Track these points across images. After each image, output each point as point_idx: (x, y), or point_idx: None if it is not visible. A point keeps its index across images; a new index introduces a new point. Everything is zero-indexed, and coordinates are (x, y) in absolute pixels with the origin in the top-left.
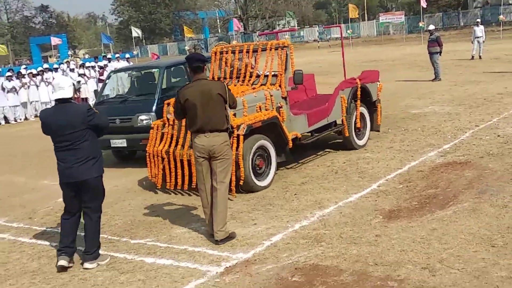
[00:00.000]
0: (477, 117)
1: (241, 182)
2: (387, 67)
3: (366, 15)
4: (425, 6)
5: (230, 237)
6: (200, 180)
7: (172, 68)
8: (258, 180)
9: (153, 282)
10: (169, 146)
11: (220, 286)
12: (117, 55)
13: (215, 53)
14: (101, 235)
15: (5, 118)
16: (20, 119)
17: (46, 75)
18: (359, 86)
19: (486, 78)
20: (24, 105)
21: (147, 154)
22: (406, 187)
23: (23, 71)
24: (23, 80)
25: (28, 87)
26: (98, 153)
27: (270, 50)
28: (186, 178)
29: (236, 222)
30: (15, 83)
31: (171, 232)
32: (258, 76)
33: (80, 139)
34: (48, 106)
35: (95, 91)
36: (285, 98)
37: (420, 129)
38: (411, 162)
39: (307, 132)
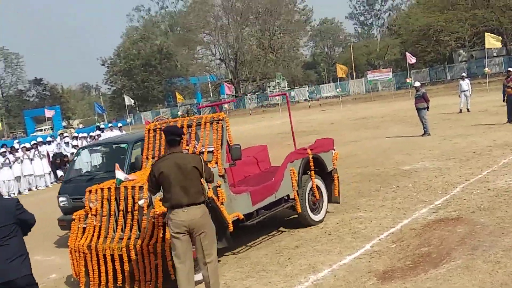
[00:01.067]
0: (467, 171)
1: (172, 277)
2: (377, 124)
3: (354, 73)
4: (411, 62)
5: None
6: (178, 258)
7: (141, 142)
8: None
9: None
10: (92, 239)
11: None
12: (110, 125)
13: (149, 130)
14: None
15: None
16: (14, 193)
17: (40, 148)
18: (311, 156)
19: (474, 131)
20: (17, 179)
21: (69, 249)
22: (399, 246)
23: (16, 146)
24: (17, 154)
25: (22, 161)
26: (26, 250)
27: (205, 124)
28: (110, 276)
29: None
30: (9, 157)
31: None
32: (210, 151)
33: (8, 234)
34: (43, 179)
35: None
36: (222, 176)
37: (412, 186)
38: (403, 220)
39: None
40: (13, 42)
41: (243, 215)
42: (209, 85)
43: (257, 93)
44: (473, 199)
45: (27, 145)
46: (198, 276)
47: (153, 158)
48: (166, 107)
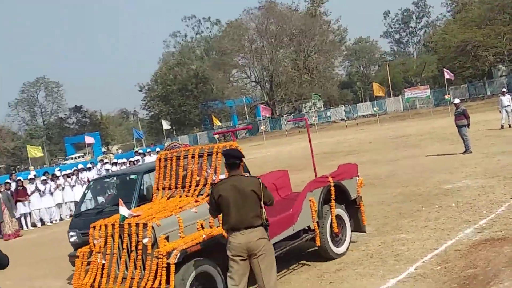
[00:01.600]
0: None
1: None
2: (416, 142)
3: (391, 91)
4: (449, 78)
5: None
6: (233, 280)
7: (152, 173)
8: None
9: None
10: (96, 278)
11: None
12: (148, 150)
13: (160, 159)
14: None
15: (41, 220)
16: (56, 220)
17: (81, 175)
18: (332, 184)
19: None
20: (59, 206)
21: None
22: (444, 268)
23: (57, 173)
24: (58, 181)
25: (63, 188)
26: None
27: (217, 153)
28: None
29: None
30: (51, 184)
31: None
32: (213, 184)
33: None
34: None
35: None
36: None
37: (455, 205)
38: (447, 241)
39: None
40: (52, 72)
41: None
42: (245, 107)
43: (293, 114)
44: None
45: (68, 171)
46: None
47: (163, 189)
48: (203, 130)
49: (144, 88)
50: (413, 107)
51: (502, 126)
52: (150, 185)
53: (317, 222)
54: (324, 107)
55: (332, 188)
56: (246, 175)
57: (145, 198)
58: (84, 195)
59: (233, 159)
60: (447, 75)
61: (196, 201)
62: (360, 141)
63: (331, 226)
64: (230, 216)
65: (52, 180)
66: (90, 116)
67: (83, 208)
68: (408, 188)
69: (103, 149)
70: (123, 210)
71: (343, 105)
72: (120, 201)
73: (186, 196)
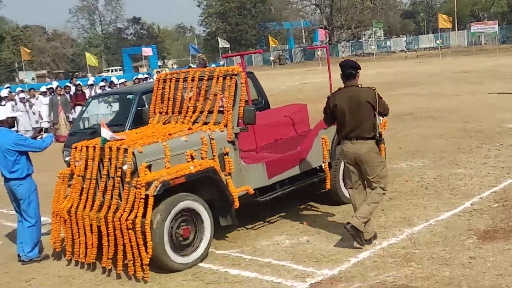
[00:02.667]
0: None
1: (145, 261)
2: (479, 79)
3: (456, 24)
4: None
5: (366, 241)
6: (350, 184)
7: (149, 94)
8: (180, 255)
9: None
10: (73, 204)
11: None
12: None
13: (158, 81)
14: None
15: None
16: None
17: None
18: None
19: None
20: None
21: (51, 212)
22: (502, 206)
23: (115, 81)
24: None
25: None
26: None
27: (218, 78)
28: (91, 249)
29: (321, 237)
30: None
31: (255, 244)
32: (221, 111)
33: None
34: None
35: None
36: (232, 142)
37: None
38: (507, 179)
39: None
40: None
41: (256, 189)
42: (303, 31)
43: (352, 41)
44: None
45: (128, 82)
46: None
47: (160, 113)
48: None
49: (203, 3)
50: (478, 43)
51: None
52: (147, 107)
53: (329, 163)
54: (384, 37)
55: None
56: (361, 86)
57: (143, 122)
58: (82, 112)
59: (350, 69)
60: None
61: (190, 129)
62: (420, 73)
63: None
64: (344, 125)
65: (109, 87)
66: (148, 28)
67: (81, 127)
68: (469, 124)
69: (159, 63)
70: (105, 132)
71: (404, 36)
72: (102, 121)
73: (182, 122)
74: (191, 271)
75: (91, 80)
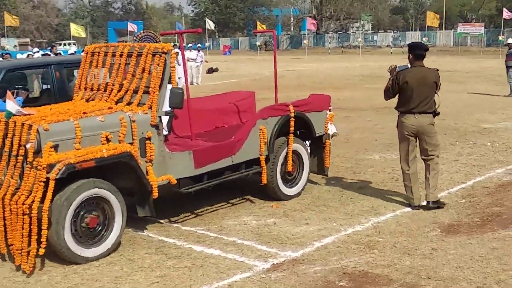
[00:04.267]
0: None
1: (40, 252)
2: (462, 79)
3: (444, 24)
4: (507, 18)
5: (440, 202)
6: (404, 159)
7: (15, 72)
8: (84, 247)
9: (199, 271)
10: None
11: (265, 282)
12: (189, 45)
13: (86, 53)
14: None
15: None
16: None
17: None
18: (293, 115)
19: None
20: None
21: None
22: (469, 202)
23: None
24: None
25: None
26: None
27: (147, 55)
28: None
29: (288, 220)
30: None
31: (222, 223)
32: (146, 91)
33: None
34: None
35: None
36: (156, 127)
37: (490, 145)
38: (476, 177)
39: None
40: None
41: (179, 178)
42: (292, 18)
43: (339, 32)
44: None
45: None
46: None
47: (85, 89)
48: (245, 36)
49: None
50: (463, 44)
51: None
52: (73, 82)
53: (267, 157)
54: (371, 31)
55: (292, 119)
56: (426, 67)
57: (63, 97)
58: None
59: (420, 51)
60: (506, 14)
61: (109, 108)
62: None
63: (284, 163)
64: (411, 101)
65: None
66: (135, 3)
67: None
68: (445, 122)
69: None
70: (11, 105)
71: (391, 31)
72: (9, 93)
73: (106, 101)
74: (155, 244)
75: (71, 50)
